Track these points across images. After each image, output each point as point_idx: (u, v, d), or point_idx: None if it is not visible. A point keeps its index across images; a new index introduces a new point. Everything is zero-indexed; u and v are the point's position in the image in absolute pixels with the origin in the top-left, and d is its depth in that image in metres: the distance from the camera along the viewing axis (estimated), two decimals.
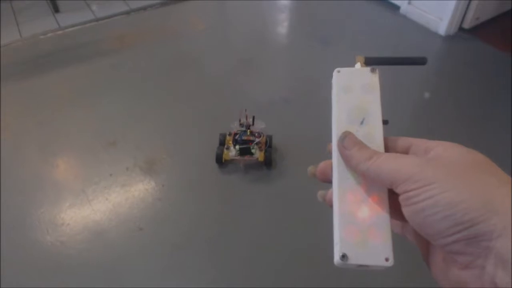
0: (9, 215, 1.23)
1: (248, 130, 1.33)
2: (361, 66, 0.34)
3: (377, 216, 0.28)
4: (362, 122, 0.31)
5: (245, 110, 1.33)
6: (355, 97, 0.33)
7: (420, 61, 0.36)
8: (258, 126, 1.35)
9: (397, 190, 0.26)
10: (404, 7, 2.12)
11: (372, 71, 0.34)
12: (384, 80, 0.35)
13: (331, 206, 0.31)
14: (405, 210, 0.26)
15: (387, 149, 0.31)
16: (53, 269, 1.13)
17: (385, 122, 0.32)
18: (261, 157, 1.33)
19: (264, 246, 1.17)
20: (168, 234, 1.21)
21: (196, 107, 1.61)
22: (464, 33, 2.02)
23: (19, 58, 1.87)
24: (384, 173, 0.27)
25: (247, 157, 1.32)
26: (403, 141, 0.31)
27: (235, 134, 1.33)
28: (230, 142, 1.34)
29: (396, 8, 2.16)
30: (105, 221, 1.23)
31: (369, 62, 0.34)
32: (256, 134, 1.33)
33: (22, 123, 1.53)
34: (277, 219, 1.24)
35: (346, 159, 0.30)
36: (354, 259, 0.27)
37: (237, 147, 1.32)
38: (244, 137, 1.32)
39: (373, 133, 0.31)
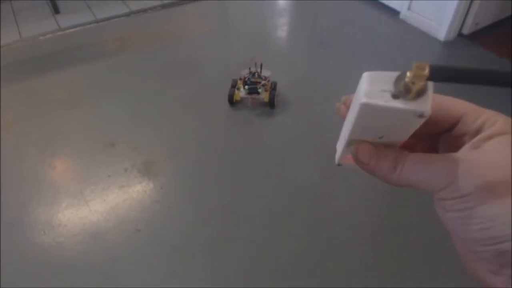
0: (6, 215, 1.22)
1: (256, 73, 1.57)
2: (421, 72, 0.22)
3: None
4: (381, 138, 0.25)
5: (254, 57, 1.60)
6: (384, 115, 0.23)
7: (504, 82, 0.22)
8: (266, 73, 1.59)
9: (433, 194, 0.24)
10: (404, 12, 2.13)
11: (420, 116, 0.22)
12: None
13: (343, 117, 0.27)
14: (441, 212, 0.24)
15: (432, 117, 0.23)
16: (50, 270, 1.12)
17: None
18: (266, 97, 1.56)
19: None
20: (166, 236, 1.20)
21: (195, 110, 1.60)
22: (463, 38, 2.03)
23: (19, 59, 1.87)
24: (415, 184, 0.24)
25: (254, 96, 1.55)
26: (448, 113, 0.26)
27: (245, 77, 1.57)
28: (241, 84, 1.57)
29: (396, 13, 2.17)
30: (102, 223, 1.22)
31: (436, 74, 0.22)
32: (263, 77, 1.57)
33: (21, 124, 1.53)
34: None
35: (369, 173, 0.26)
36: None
37: (246, 87, 1.54)
38: (253, 79, 1.56)
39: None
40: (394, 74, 0.23)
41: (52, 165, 1.38)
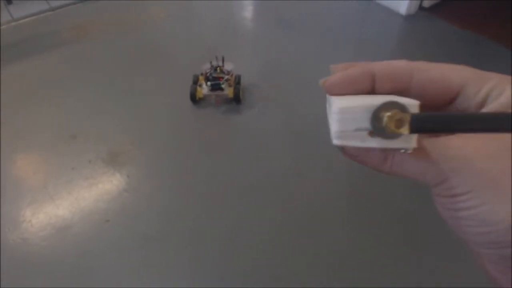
0: None
1: (219, 68, 1.46)
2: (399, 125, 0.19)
3: None
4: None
5: (216, 51, 1.50)
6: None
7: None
8: (228, 66, 1.49)
9: (429, 187, 0.22)
10: None
11: (404, 151, 0.21)
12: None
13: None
14: (439, 207, 0.22)
15: (427, 92, 0.22)
16: (16, 267, 1.09)
17: None
18: (230, 93, 1.47)
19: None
20: (137, 224, 1.18)
21: (159, 97, 1.57)
22: (425, 12, 2.05)
23: None
24: (408, 176, 0.21)
25: (218, 93, 1.46)
26: (451, 78, 0.22)
27: (207, 73, 1.46)
28: (203, 80, 1.48)
29: None
30: (69, 216, 1.19)
31: (419, 124, 0.19)
32: (226, 71, 1.47)
33: None
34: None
35: (360, 164, 0.23)
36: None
37: (209, 83, 1.45)
38: (215, 75, 1.46)
39: None
40: (369, 107, 0.19)
41: (13, 160, 1.33)
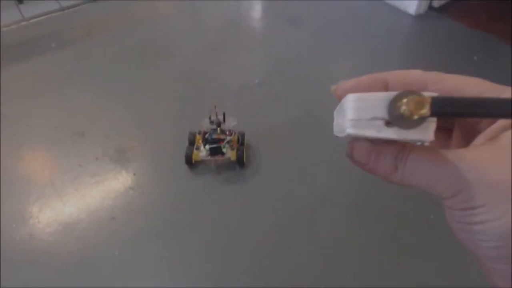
0: None
1: (219, 128, 1.25)
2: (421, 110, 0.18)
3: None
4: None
5: (215, 106, 1.25)
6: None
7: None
8: (230, 123, 1.28)
9: (441, 199, 0.21)
10: None
11: (421, 143, 0.21)
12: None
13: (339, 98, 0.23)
14: (450, 220, 0.21)
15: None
16: (23, 263, 1.10)
17: None
18: (233, 156, 1.26)
19: (240, 245, 1.17)
20: (142, 222, 1.19)
21: (166, 95, 1.58)
22: (434, 11, 2.03)
23: None
24: (422, 184, 0.21)
25: (218, 157, 1.25)
26: (467, 89, 0.22)
27: (205, 133, 1.26)
28: (200, 141, 1.27)
29: None
30: (75, 212, 1.20)
31: (441, 108, 0.18)
32: (227, 132, 1.26)
33: None
34: (252, 218, 1.20)
35: (368, 172, 0.23)
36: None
37: (207, 146, 1.24)
38: (215, 136, 1.24)
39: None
40: (386, 96, 0.19)
41: (20, 157, 1.35)
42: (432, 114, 0.18)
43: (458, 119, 0.24)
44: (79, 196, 1.24)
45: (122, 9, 2.04)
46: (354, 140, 0.22)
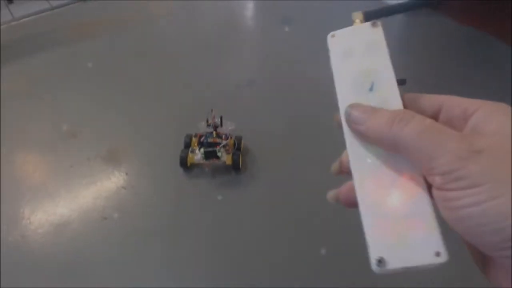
0: None
1: (214, 132, 1.24)
2: (359, 23, 0.29)
3: (414, 200, 0.22)
4: (371, 88, 0.25)
5: (212, 110, 1.25)
6: (358, 61, 0.27)
7: (427, 3, 0.31)
8: (227, 127, 1.26)
9: (429, 180, 0.21)
10: None
11: (374, 25, 0.28)
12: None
13: (347, 205, 0.25)
14: (444, 212, 0.21)
15: (415, 106, 0.25)
16: (15, 264, 1.09)
17: (401, 82, 0.26)
18: (228, 160, 1.24)
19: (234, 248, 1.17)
20: (134, 222, 1.19)
21: (158, 95, 1.58)
22: (425, 8, 2.04)
23: None
24: (413, 152, 0.21)
25: (213, 161, 1.25)
26: (429, 101, 0.25)
27: (201, 136, 1.25)
28: (196, 144, 1.26)
29: None
30: (67, 213, 1.20)
31: (369, 16, 0.29)
32: (223, 136, 1.25)
33: None
34: (246, 223, 1.19)
35: (364, 136, 0.23)
36: (395, 262, 0.21)
37: (202, 150, 1.23)
38: (210, 140, 1.23)
39: (388, 98, 0.24)
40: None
41: (12, 158, 1.34)
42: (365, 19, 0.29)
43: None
44: (71, 197, 1.24)
45: (113, 9, 2.03)
46: (355, 104, 0.25)
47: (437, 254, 0.21)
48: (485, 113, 0.22)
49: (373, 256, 0.22)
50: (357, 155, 0.24)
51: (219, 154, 1.23)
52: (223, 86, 1.60)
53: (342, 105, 0.25)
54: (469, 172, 0.19)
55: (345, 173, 0.26)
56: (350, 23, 0.30)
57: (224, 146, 1.23)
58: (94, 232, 1.17)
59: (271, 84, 1.62)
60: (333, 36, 0.30)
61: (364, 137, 0.24)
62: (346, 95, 0.26)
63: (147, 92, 1.59)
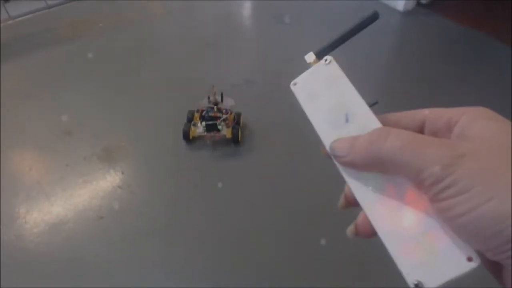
0: None
1: (215, 107, 1.33)
2: (314, 63, 0.30)
3: (425, 213, 0.22)
4: (347, 120, 0.26)
5: (213, 86, 1.34)
6: (325, 99, 0.28)
7: (371, 19, 0.32)
8: (227, 103, 1.35)
9: (424, 192, 0.21)
10: None
11: (326, 62, 0.29)
12: (340, 58, 0.32)
13: (368, 237, 0.25)
14: (446, 223, 0.21)
15: (399, 123, 0.25)
16: (10, 264, 1.08)
17: (373, 103, 0.27)
18: (228, 133, 1.33)
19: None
20: (130, 221, 1.18)
21: (155, 94, 1.57)
22: (423, 8, 2.04)
23: None
24: (400, 168, 0.21)
25: (213, 133, 1.32)
26: (412, 117, 0.25)
27: (202, 110, 1.33)
28: (198, 118, 1.34)
29: None
30: (63, 212, 1.19)
31: (321, 54, 0.30)
32: (224, 111, 1.33)
33: None
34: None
35: (353, 166, 0.24)
36: (432, 281, 0.21)
37: (203, 123, 1.31)
38: (211, 114, 1.32)
39: (365, 123, 0.25)
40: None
41: (7, 156, 1.33)
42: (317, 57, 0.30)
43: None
44: (66, 196, 1.23)
45: (109, 8, 2.02)
46: (334, 141, 0.25)
47: (469, 259, 0.21)
48: (468, 119, 0.22)
49: (410, 282, 0.22)
50: (358, 186, 0.24)
51: (219, 127, 1.31)
52: (220, 85, 1.59)
53: (327, 144, 0.26)
54: (455, 178, 0.19)
55: (353, 206, 0.26)
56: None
57: (224, 120, 1.32)
58: (90, 232, 1.16)
59: (268, 84, 1.61)
60: (295, 84, 0.31)
61: (355, 167, 0.24)
62: (326, 133, 0.27)
63: (143, 91, 1.58)
